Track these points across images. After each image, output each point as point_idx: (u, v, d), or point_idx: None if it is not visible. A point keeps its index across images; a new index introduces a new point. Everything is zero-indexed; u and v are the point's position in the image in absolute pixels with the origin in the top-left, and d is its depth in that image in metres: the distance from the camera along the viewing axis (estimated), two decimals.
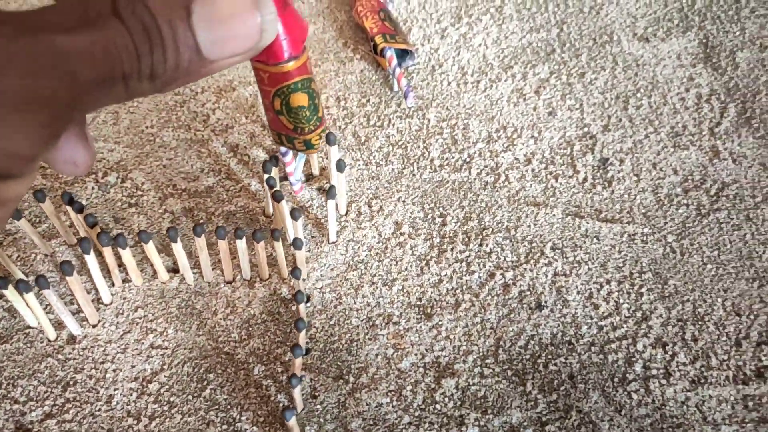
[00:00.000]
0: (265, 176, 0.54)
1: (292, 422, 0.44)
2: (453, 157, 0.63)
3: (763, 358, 0.50)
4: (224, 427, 0.49)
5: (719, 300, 0.54)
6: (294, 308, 0.54)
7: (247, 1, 0.22)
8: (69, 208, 0.53)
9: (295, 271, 0.50)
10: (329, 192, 0.53)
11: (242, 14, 0.22)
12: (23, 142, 0.19)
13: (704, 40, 0.72)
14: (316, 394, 0.50)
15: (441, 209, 0.60)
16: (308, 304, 0.55)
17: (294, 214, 0.52)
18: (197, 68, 0.22)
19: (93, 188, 0.62)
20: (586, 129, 0.65)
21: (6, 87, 0.19)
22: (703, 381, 0.50)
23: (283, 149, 0.53)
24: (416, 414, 0.49)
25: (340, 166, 0.54)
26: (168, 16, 0.20)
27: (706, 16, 0.74)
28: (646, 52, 0.71)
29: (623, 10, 0.75)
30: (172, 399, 0.50)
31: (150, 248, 0.52)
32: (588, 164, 0.62)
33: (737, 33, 0.72)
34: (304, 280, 0.56)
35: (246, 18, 0.22)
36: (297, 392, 0.47)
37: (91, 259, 0.50)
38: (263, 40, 0.23)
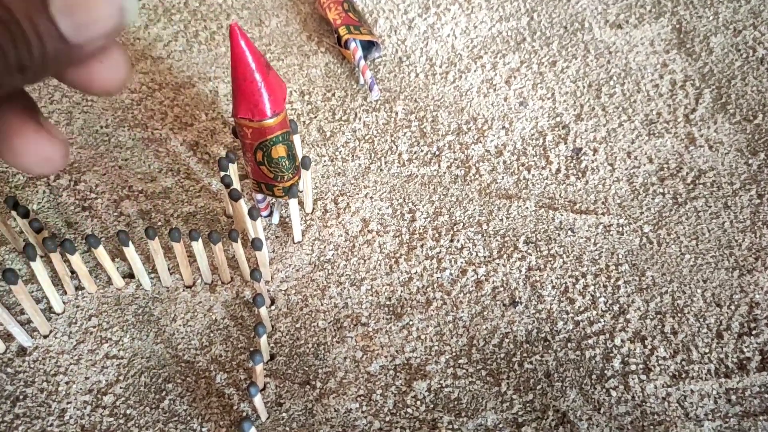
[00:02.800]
0: (222, 174, 0.52)
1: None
2: (422, 151, 0.61)
3: (745, 350, 0.49)
4: None
5: (699, 291, 0.52)
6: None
7: None
8: (14, 213, 0.50)
9: (254, 273, 0.48)
10: (290, 190, 0.51)
11: None
12: None
13: (677, 26, 0.70)
14: (282, 401, 0.48)
15: (410, 205, 0.58)
16: (272, 307, 0.52)
17: (252, 213, 0.50)
18: (67, 55, 0.22)
19: (44, 192, 0.59)
20: (558, 119, 0.63)
21: None
22: (684, 375, 0.48)
23: (259, 197, 0.54)
24: (387, 419, 0.47)
25: (306, 163, 0.52)
26: (26, 10, 0.20)
27: (679, 1, 0.73)
28: (619, 39, 0.69)
29: None
30: (128, 411, 0.47)
31: (100, 253, 0.49)
32: (561, 155, 0.60)
33: (711, 18, 0.71)
34: (267, 282, 0.53)
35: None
36: (257, 401, 0.44)
37: (37, 266, 0.47)
38: (125, 17, 0.22)
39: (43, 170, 0.26)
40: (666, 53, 0.68)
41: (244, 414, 0.47)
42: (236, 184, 0.54)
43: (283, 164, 0.50)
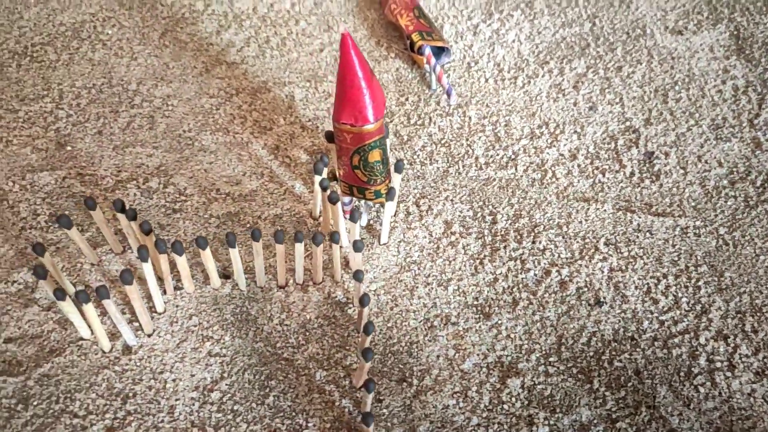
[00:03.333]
0: (317, 178, 0.53)
1: (372, 429, 0.43)
2: (498, 155, 0.63)
3: None
4: None
5: None
6: (350, 312, 0.54)
7: None
8: (121, 216, 0.52)
9: (357, 274, 0.50)
10: (389, 193, 0.53)
11: None
12: None
13: (735, 32, 0.72)
14: (381, 398, 0.50)
15: (490, 207, 0.59)
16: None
17: (354, 216, 0.52)
18: None
19: (135, 194, 0.60)
20: (628, 123, 0.65)
21: None
22: (767, 372, 0.50)
23: (346, 200, 0.56)
24: (484, 415, 0.49)
25: (399, 167, 0.54)
26: None
27: (735, 8, 0.74)
28: (680, 44, 0.71)
29: (653, 3, 0.75)
30: (235, 407, 0.49)
31: (207, 254, 0.51)
32: (633, 158, 0.62)
33: (767, 24, 0.73)
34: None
35: None
36: (370, 398, 0.46)
37: (148, 268, 0.49)
38: None
39: None
40: (726, 59, 0.69)
41: (347, 410, 0.49)
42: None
43: (378, 168, 0.52)
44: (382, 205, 0.57)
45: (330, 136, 0.54)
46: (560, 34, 0.72)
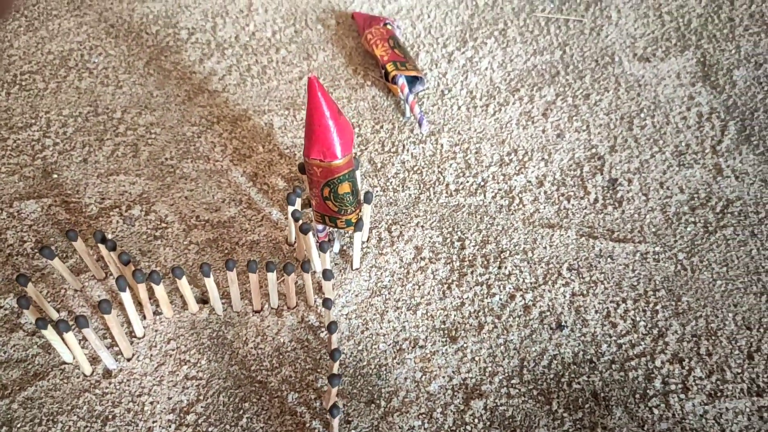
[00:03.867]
0: (290, 208, 0.56)
1: None
2: (468, 181, 0.65)
3: None
4: None
5: (730, 315, 0.56)
6: (323, 335, 0.56)
7: None
8: (101, 246, 0.54)
9: (326, 302, 0.52)
10: (357, 225, 0.55)
11: None
12: None
13: (701, 59, 0.75)
14: (350, 419, 0.52)
15: (459, 233, 0.62)
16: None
17: (323, 246, 0.54)
18: None
19: (118, 222, 0.63)
20: (594, 150, 0.67)
21: None
22: (719, 394, 0.52)
23: (320, 227, 0.59)
24: None
25: (368, 198, 0.56)
26: None
27: (702, 35, 0.77)
28: (647, 72, 0.74)
29: (622, 31, 0.78)
30: (210, 429, 0.51)
31: (183, 283, 0.53)
32: (598, 185, 0.65)
33: (733, 51, 0.75)
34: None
35: None
36: (336, 422, 0.48)
37: (126, 297, 0.52)
38: None
39: None
40: (692, 86, 0.72)
41: (317, 431, 0.51)
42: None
43: (348, 199, 0.55)
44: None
45: (302, 168, 0.57)
46: (531, 62, 0.75)
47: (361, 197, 0.57)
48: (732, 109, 0.70)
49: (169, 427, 0.52)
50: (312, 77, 0.49)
